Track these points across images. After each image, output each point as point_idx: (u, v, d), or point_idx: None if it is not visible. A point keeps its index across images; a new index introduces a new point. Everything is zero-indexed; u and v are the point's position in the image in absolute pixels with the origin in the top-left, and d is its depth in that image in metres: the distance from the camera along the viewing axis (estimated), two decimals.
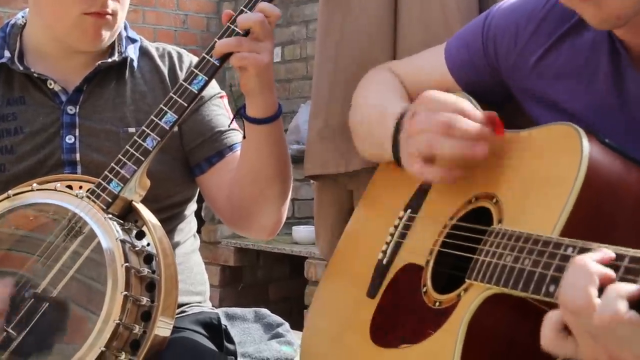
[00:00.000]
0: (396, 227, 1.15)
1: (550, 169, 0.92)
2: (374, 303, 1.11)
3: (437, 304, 0.99)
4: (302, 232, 3.71)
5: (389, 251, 1.13)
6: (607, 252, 0.76)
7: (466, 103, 1.01)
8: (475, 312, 0.89)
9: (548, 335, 0.78)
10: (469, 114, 0.98)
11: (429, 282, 1.03)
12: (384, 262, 1.13)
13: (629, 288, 0.72)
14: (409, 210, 1.15)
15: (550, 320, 0.78)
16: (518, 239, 0.87)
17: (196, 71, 1.26)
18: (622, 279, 0.73)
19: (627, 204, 0.86)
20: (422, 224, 1.11)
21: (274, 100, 1.31)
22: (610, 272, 0.74)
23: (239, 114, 1.32)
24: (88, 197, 1.21)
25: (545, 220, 0.86)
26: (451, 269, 1.02)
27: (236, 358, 1.50)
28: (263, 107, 1.29)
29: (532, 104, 1.09)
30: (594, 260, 0.75)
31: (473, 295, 0.91)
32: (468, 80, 1.18)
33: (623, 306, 0.71)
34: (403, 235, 1.13)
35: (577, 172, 0.86)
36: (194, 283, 1.49)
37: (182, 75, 1.42)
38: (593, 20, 0.91)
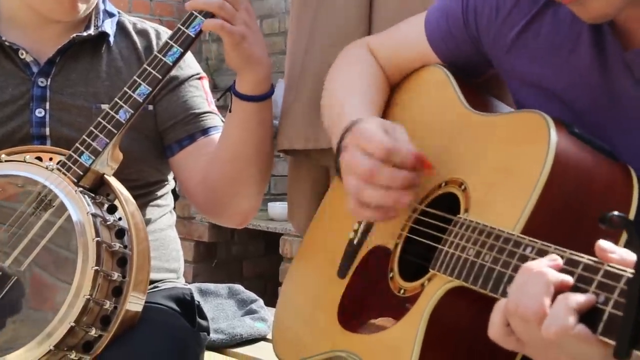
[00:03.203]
0: None
1: (517, 159, 0.91)
2: (344, 284, 1.10)
3: (402, 291, 0.98)
4: (278, 208, 3.69)
5: (360, 230, 1.12)
6: (556, 258, 0.74)
7: (395, 142, 0.97)
8: (437, 304, 0.89)
9: (496, 324, 0.77)
10: (396, 156, 0.97)
11: (395, 268, 1.02)
12: (355, 241, 1.12)
13: (578, 299, 0.69)
14: None
15: (499, 310, 0.77)
16: (481, 233, 0.86)
17: (171, 42, 1.23)
18: (574, 288, 0.71)
19: (595, 197, 0.85)
20: None
21: (263, 78, 1.28)
22: (568, 279, 0.72)
23: (230, 88, 1.30)
24: (58, 169, 1.19)
25: (509, 213, 0.85)
26: (419, 255, 1.01)
27: (209, 334, 1.49)
28: (250, 83, 1.27)
29: (512, 80, 1.08)
30: (546, 265, 0.73)
31: (436, 286, 0.91)
32: (448, 52, 1.16)
33: (571, 320, 0.69)
34: None
35: (543, 165, 0.85)
36: (168, 260, 1.47)
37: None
38: (582, 18, 0.91)
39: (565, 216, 0.85)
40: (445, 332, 0.90)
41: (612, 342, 0.66)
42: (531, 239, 0.80)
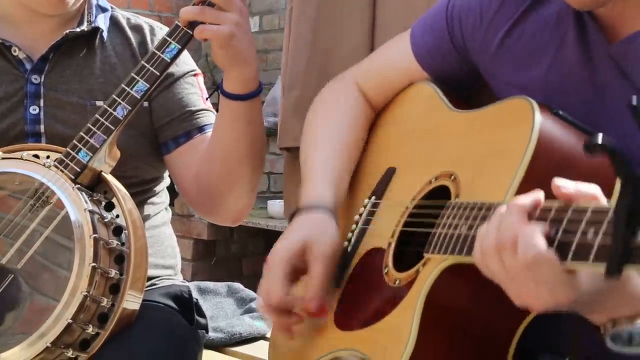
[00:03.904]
0: (360, 214, 1.15)
1: (503, 141, 0.93)
2: (339, 291, 1.10)
3: (397, 282, 0.99)
4: (278, 206, 3.68)
5: (353, 239, 1.13)
6: (539, 193, 0.77)
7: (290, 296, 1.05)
8: (433, 285, 0.89)
9: (477, 251, 0.80)
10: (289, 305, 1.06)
11: (390, 263, 1.02)
12: (348, 249, 1.12)
13: (542, 226, 0.74)
14: (373, 197, 1.14)
15: (478, 242, 0.80)
16: (472, 209, 0.88)
17: (169, 39, 1.23)
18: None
19: (580, 172, 0.87)
20: (386, 208, 1.11)
21: (252, 77, 1.26)
22: (538, 197, 0.76)
23: (218, 87, 1.29)
24: (56, 166, 1.19)
25: (498, 189, 0.87)
26: (413, 248, 1.01)
27: (207, 332, 1.49)
28: (238, 82, 1.26)
29: (500, 86, 1.09)
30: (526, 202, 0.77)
31: (430, 268, 0.91)
32: (435, 65, 1.16)
33: (542, 243, 0.73)
34: (367, 222, 1.13)
35: (527, 143, 0.87)
36: (164, 256, 1.46)
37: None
38: (574, 5, 0.93)
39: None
40: (442, 312, 0.90)
41: (602, 267, 0.68)
42: None
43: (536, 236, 0.73)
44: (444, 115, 1.09)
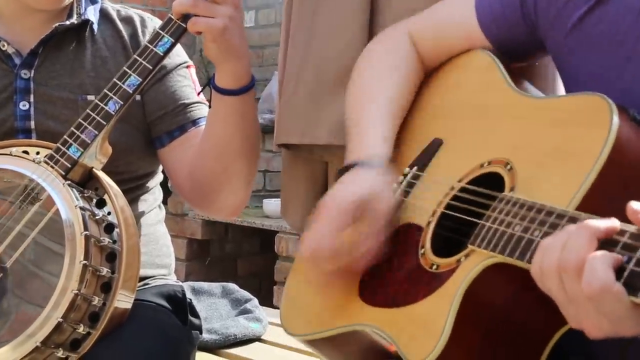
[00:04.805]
0: (400, 183, 1.10)
1: (574, 140, 0.88)
2: None
3: (435, 267, 0.95)
4: (273, 205, 3.66)
5: None
6: (614, 220, 0.72)
7: (345, 253, 1.01)
8: (474, 280, 0.86)
9: (536, 265, 0.76)
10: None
11: (427, 244, 0.99)
12: None
13: (614, 255, 0.69)
14: (415, 167, 1.10)
15: (537, 262, 0.76)
16: (530, 209, 0.84)
17: (162, 33, 1.21)
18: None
19: None
20: (428, 183, 1.07)
21: (244, 71, 1.24)
22: (614, 225, 0.71)
23: (209, 82, 1.27)
24: (46, 162, 1.17)
25: (561, 192, 0.83)
26: (453, 233, 0.98)
27: (201, 332, 1.47)
28: (230, 76, 1.24)
29: (569, 68, 1.04)
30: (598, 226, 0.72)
31: (474, 262, 0.88)
32: (498, 34, 1.11)
33: (611, 275, 0.68)
34: (406, 194, 1.09)
35: (602, 147, 0.82)
36: (159, 255, 1.44)
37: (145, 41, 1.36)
38: None
39: (621, 199, 0.80)
40: (480, 308, 0.87)
41: None
42: (589, 215, 0.77)
43: (605, 267, 0.69)
44: (505, 94, 1.04)
